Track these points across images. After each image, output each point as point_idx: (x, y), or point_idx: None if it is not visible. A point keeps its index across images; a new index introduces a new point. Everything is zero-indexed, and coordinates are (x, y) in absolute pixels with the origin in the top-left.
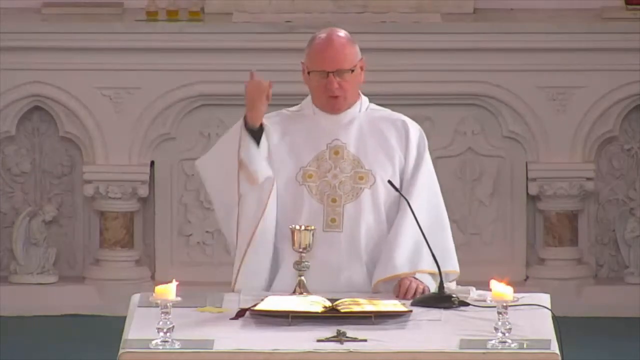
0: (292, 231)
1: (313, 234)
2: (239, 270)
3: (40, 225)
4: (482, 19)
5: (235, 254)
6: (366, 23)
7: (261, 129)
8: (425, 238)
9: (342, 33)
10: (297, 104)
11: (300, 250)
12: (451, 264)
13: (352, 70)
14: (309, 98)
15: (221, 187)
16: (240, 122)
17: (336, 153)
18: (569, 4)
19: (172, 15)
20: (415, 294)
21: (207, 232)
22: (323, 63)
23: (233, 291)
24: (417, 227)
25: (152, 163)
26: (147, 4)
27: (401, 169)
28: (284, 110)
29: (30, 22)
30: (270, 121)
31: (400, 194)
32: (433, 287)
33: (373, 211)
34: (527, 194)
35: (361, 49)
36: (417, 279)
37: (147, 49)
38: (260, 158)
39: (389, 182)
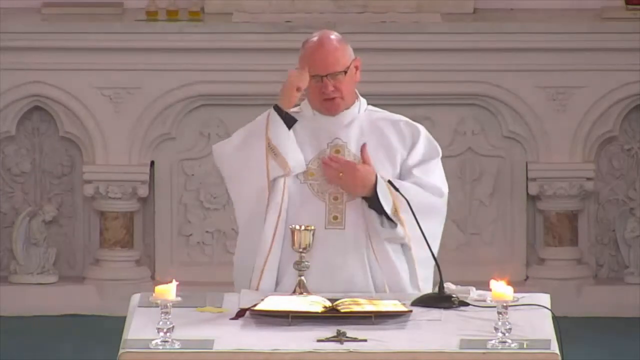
0: (292, 231)
1: (313, 234)
2: (262, 270)
3: (40, 225)
4: (482, 19)
5: (238, 244)
6: (366, 23)
7: (292, 118)
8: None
9: (333, 35)
10: (296, 105)
11: (300, 250)
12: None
13: (346, 72)
14: (307, 100)
15: (241, 172)
16: (269, 110)
17: (337, 152)
18: (569, 4)
19: (172, 15)
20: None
21: (207, 232)
22: (316, 67)
23: (257, 289)
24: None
25: (152, 163)
26: (147, 4)
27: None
28: None
29: (30, 22)
30: None
31: (401, 194)
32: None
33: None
34: (527, 194)
35: (361, 49)
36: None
37: (147, 49)
38: (289, 141)
39: (389, 182)
